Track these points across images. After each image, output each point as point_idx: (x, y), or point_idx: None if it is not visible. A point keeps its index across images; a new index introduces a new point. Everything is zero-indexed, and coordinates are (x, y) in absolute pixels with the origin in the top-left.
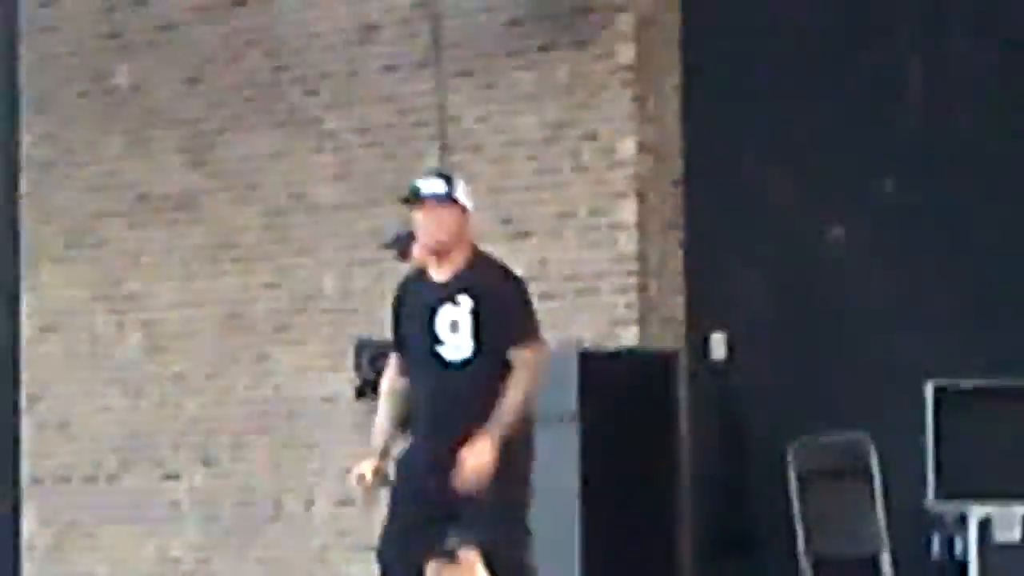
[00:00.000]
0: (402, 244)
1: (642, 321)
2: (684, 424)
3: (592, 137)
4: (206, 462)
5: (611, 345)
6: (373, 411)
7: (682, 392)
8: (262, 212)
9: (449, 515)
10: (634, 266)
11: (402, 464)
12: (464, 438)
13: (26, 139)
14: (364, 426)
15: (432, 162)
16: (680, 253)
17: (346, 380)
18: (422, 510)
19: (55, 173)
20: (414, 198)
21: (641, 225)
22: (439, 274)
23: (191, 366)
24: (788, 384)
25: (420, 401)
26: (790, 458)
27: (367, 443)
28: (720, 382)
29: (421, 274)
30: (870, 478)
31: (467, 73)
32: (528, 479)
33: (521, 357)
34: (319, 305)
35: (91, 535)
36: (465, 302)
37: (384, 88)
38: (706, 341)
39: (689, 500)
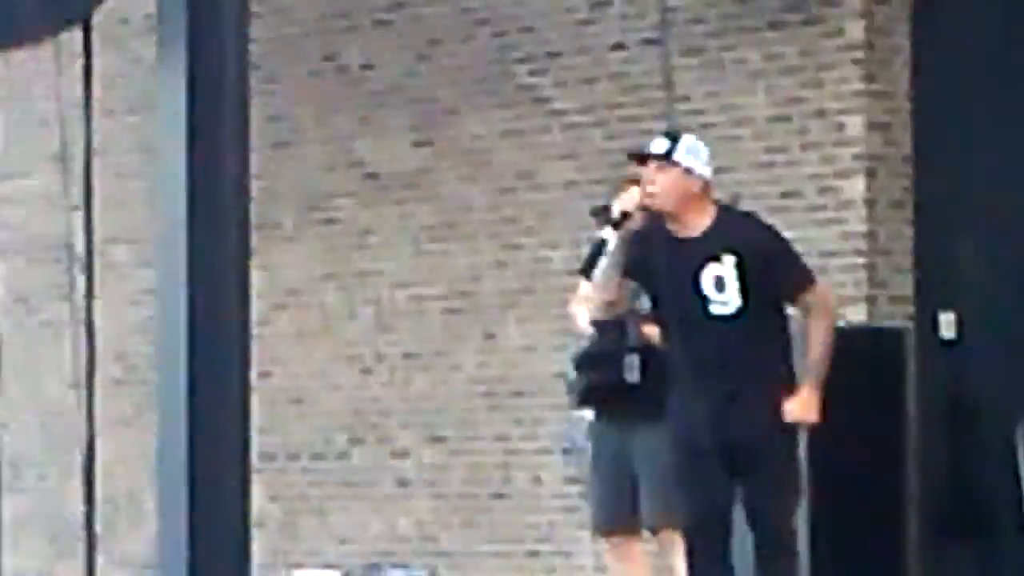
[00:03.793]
0: (611, 212)
1: (871, 299)
2: (912, 402)
3: (821, 115)
4: (434, 439)
5: (840, 323)
6: None
7: (911, 370)
8: (490, 190)
9: (737, 466)
10: (863, 244)
11: (681, 414)
12: (749, 386)
13: (256, 119)
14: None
15: None
16: (910, 231)
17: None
18: (710, 466)
19: (285, 152)
20: (636, 157)
21: (870, 203)
22: (684, 231)
23: (420, 344)
24: (1019, 362)
25: (692, 355)
26: (1020, 438)
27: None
28: (949, 360)
29: (661, 227)
30: None
31: (695, 51)
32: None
33: (818, 302)
34: (547, 283)
35: (320, 512)
36: (728, 259)
37: (612, 66)
38: (935, 319)
39: (917, 479)
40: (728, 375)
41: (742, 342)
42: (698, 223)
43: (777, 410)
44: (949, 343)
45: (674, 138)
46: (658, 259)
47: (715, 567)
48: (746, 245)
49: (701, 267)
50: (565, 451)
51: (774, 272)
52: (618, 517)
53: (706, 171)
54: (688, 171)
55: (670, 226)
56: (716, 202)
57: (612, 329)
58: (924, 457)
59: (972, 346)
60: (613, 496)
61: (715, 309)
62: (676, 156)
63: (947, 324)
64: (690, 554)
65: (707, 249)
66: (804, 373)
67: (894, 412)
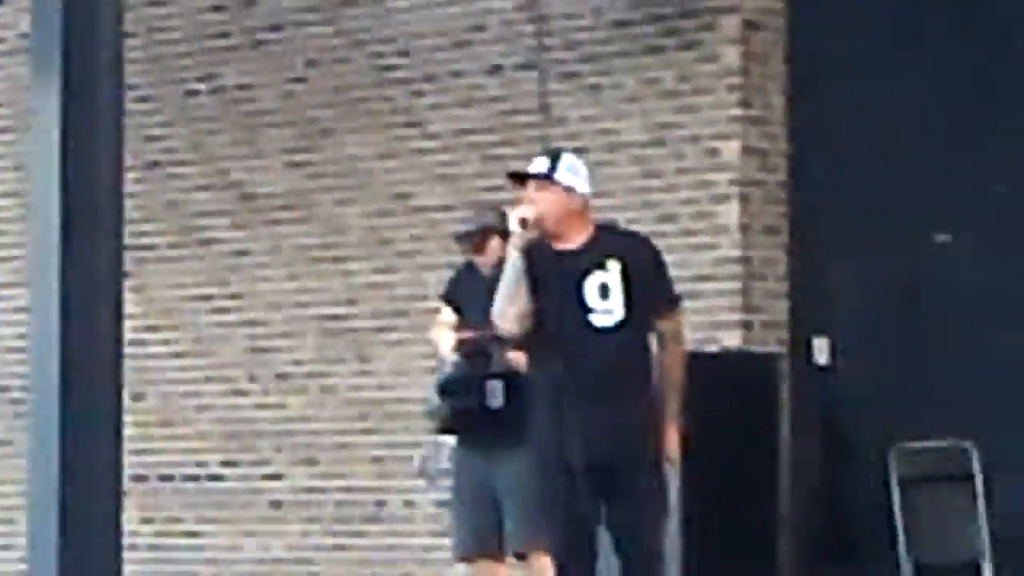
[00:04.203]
0: (474, 238)
1: (745, 324)
2: (785, 427)
3: (696, 140)
4: (308, 462)
5: (714, 348)
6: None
7: (784, 395)
8: (366, 213)
9: (605, 488)
10: (737, 269)
11: (549, 436)
12: (622, 404)
13: (132, 139)
14: None
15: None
16: (783, 256)
17: None
18: (579, 487)
19: (161, 172)
20: (516, 177)
21: (744, 228)
22: (566, 245)
23: (294, 365)
24: (891, 389)
25: (567, 369)
26: (891, 463)
27: None
28: (822, 386)
29: (543, 244)
30: (973, 484)
31: (571, 75)
32: None
33: (673, 329)
34: (422, 306)
35: (192, 533)
36: (613, 266)
37: (488, 90)
38: (809, 344)
39: (790, 504)
40: (606, 392)
41: (622, 357)
42: (579, 239)
43: (648, 432)
44: (822, 368)
45: (554, 157)
46: (541, 274)
47: None
48: (630, 254)
49: (585, 276)
50: (423, 475)
51: (650, 287)
52: (482, 542)
53: (586, 189)
54: (569, 189)
55: (552, 243)
56: (597, 222)
57: (476, 355)
58: (797, 481)
59: (845, 371)
60: (477, 521)
61: (597, 320)
62: (557, 176)
63: (820, 349)
64: None
65: (591, 258)
66: (666, 407)
67: (767, 436)
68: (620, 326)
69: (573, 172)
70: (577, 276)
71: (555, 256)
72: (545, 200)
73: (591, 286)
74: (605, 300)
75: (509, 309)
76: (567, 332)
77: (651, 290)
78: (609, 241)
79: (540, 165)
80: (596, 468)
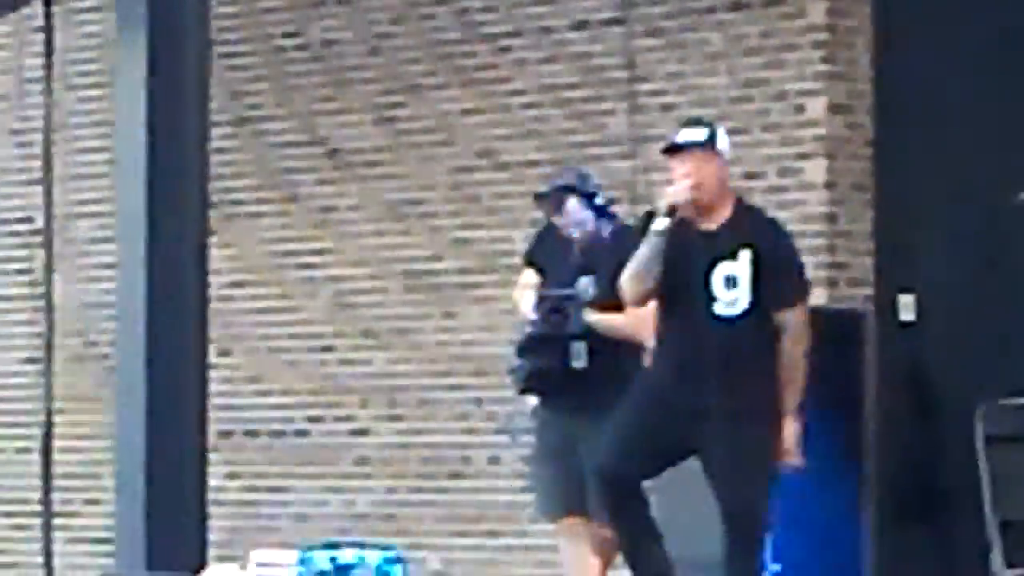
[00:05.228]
0: (550, 198)
1: (831, 281)
2: (872, 385)
3: (782, 96)
4: (393, 418)
5: None
6: None
7: (870, 353)
8: (450, 170)
9: (708, 435)
10: (823, 227)
11: (649, 390)
12: (738, 389)
13: (218, 95)
14: None
15: (621, 121)
16: (870, 213)
17: None
18: (668, 438)
19: (247, 129)
20: (673, 148)
21: (830, 185)
22: (705, 223)
23: (379, 322)
24: (978, 346)
25: (681, 354)
26: (978, 421)
27: None
28: (909, 343)
29: (679, 218)
30: None
31: (657, 31)
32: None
33: (794, 323)
34: (507, 262)
35: (279, 489)
36: (744, 257)
37: (573, 46)
38: (895, 302)
39: (875, 462)
40: (722, 378)
41: (742, 346)
42: (719, 216)
43: (765, 416)
44: (908, 325)
45: (707, 125)
46: (672, 255)
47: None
48: (763, 243)
49: (714, 264)
50: (506, 432)
51: (777, 279)
52: (567, 503)
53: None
54: (726, 160)
55: (695, 218)
56: (738, 197)
57: (552, 313)
58: (883, 439)
59: (931, 328)
60: (560, 482)
61: (720, 309)
62: (719, 144)
63: (906, 306)
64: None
65: (723, 245)
66: (783, 404)
67: (854, 394)
68: (743, 316)
69: (726, 142)
70: (707, 263)
71: (690, 237)
72: (707, 172)
73: (719, 275)
74: (731, 290)
75: (632, 287)
76: (690, 317)
77: (777, 282)
78: (746, 226)
79: (698, 134)
80: (700, 414)
